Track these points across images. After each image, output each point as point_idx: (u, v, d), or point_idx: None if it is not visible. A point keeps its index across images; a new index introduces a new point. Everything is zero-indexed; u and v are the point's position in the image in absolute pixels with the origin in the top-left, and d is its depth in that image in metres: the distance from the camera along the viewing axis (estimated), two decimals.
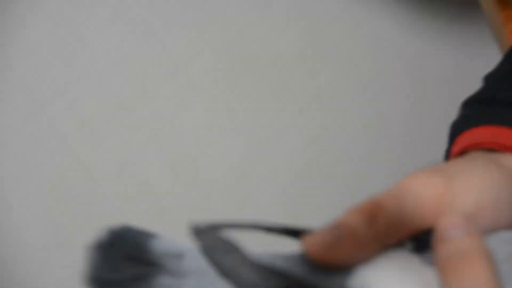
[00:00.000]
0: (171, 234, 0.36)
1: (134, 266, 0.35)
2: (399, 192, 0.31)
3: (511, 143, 0.37)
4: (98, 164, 0.50)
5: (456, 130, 0.40)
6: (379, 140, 0.58)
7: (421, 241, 0.33)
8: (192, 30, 0.51)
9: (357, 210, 0.30)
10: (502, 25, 0.69)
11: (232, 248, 0.28)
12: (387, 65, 0.59)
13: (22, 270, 0.49)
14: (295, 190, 0.56)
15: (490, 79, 0.44)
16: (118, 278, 0.35)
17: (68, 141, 0.50)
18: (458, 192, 0.30)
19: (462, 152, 0.38)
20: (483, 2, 0.73)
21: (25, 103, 0.48)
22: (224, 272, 0.28)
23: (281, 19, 0.53)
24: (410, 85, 0.58)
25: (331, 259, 0.29)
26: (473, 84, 0.44)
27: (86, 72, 0.49)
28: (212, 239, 0.28)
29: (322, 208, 0.54)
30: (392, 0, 0.57)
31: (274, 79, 0.55)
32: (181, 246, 0.37)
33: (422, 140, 0.59)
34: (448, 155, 0.40)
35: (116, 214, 0.59)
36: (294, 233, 0.36)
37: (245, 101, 0.54)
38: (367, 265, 0.32)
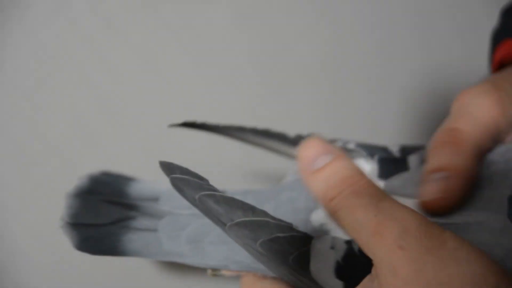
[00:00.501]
0: None
1: (112, 211, 0.36)
2: (468, 113, 0.31)
3: None
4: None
5: (496, 38, 0.39)
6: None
7: None
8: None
9: (444, 145, 0.30)
10: None
11: (198, 183, 0.29)
12: None
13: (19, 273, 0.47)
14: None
15: None
16: (97, 222, 0.36)
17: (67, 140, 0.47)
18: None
19: (501, 62, 0.37)
20: None
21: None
22: (193, 204, 0.29)
23: None
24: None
25: (450, 205, 0.29)
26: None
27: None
28: (181, 175, 0.29)
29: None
30: None
31: None
32: (158, 188, 0.38)
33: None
34: (490, 63, 0.39)
35: None
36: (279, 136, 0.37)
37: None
38: None
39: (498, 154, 0.31)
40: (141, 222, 0.36)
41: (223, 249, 0.34)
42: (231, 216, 0.29)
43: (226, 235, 0.30)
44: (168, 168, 0.29)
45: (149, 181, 0.38)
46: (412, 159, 0.34)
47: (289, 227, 0.29)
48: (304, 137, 0.36)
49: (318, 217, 0.33)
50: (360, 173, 0.28)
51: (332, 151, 0.29)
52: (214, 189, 0.29)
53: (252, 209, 0.29)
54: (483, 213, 0.29)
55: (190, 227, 0.35)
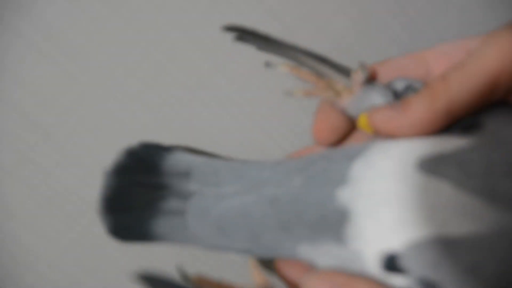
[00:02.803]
0: None
1: (144, 194, 0.36)
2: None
3: None
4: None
5: None
6: None
7: None
8: None
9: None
10: None
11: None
12: None
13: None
14: None
15: None
16: (130, 207, 0.36)
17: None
18: None
19: None
20: None
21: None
22: None
23: None
24: None
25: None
26: None
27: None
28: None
29: None
30: None
31: None
32: (191, 160, 0.37)
33: None
34: None
35: None
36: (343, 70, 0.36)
37: None
38: None
39: None
40: (170, 203, 0.36)
41: (247, 234, 0.34)
42: None
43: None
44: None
45: (184, 152, 0.38)
46: None
47: None
48: (353, 69, 0.36)
49: (344, 196, 0.32)
50: None
51: (336, 283, 0.29)
52: None
53: None
54: None
55: (216, 209, 0.35)
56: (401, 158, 0.31)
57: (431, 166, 0.30)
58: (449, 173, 0.29)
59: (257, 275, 0.33)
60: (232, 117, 0.47)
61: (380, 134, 0.32)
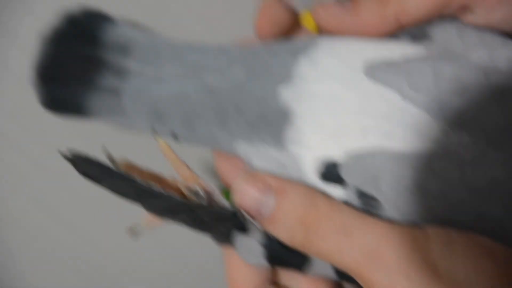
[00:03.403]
0: None
1: (80, 66, 0.35)
2: None
3: None
4: None
5: None
6: None
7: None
8: None
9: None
10: None
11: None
12: None
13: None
14: None
15: None
16: (65, 79, 0.35)
17: None
18: None
19: None
20: None
21: None
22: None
23: None
24: None
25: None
26: None
27: None
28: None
29: None
30: None
31: None
32: (133, 36, 0.35)
33: None
34: None
35: None
36: None
37: None
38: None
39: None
40: (107, 79, 0.35)
41: (183, 121, 0.33)
42: None
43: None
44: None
45: (127, 25, 0.36)
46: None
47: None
48: None
49: (286, 95, 0.30)
50: (312, 204, 0.27)
51: (271, 185, 0.27)
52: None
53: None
54: None
55: (154, 91, 0.33)
56: (348, 60, 0.29)
57: (379, 72, 0.28)
58: (398, 83, 0.27)
59: (182, 169, 0.31)
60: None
61: (324, 32, 0.31)
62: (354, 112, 0.27)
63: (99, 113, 0.35)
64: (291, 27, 0.34)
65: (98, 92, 0.35)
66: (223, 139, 0.32)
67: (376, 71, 0.28)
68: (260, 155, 0.30)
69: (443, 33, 0.29)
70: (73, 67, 0.35)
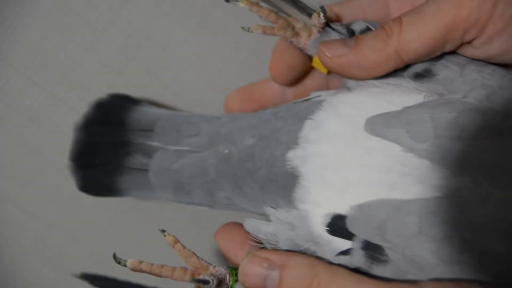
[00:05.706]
0: None
1: (111, 148, 0.38)
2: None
3: None
4: None
5: None
6: None
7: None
8: None
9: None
10: None
11: None
12: None
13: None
14: None
15: None
16: (98, 162, 0.37)
17: None
18: None
19: None
20: None
21: None
22: None
23: None
24: None
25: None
26: None
27: None
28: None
29: None
30: None
31: None
32: (155, 114, 0.38)
33: None
34: None
35: None
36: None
37: None
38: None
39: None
40: (135, 159, 0.37)
41: (203, 191, 0.35)
42: None
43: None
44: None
45: (149, 105, 0.39)
46: None
47: None
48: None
49: (293, 158, 0.32)
50: (313, 273, 0.28)
51: (274, 262, 0.29)
52: None
53: None
54: None
55: (175, 165, 0.36)
56: (349, 119, 0.30)
57: (380, 127, 0.29)
58: (398, 135, 0.29)
59: (192, 259, 0.33)
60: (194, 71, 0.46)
61: (331, 71, 0.32)
62: (357, 167, 0.29)
63: (130, 190, 0.38)
64: (304, 69, 0.36)
65: (128, 172, 0.37)
66: (241, 204, 0.34)
67: (376, 126, 0.29)
68: (271, 215, 0.32)
69: (445, 71, 0.30)
70: (105, 152, 0.38)
